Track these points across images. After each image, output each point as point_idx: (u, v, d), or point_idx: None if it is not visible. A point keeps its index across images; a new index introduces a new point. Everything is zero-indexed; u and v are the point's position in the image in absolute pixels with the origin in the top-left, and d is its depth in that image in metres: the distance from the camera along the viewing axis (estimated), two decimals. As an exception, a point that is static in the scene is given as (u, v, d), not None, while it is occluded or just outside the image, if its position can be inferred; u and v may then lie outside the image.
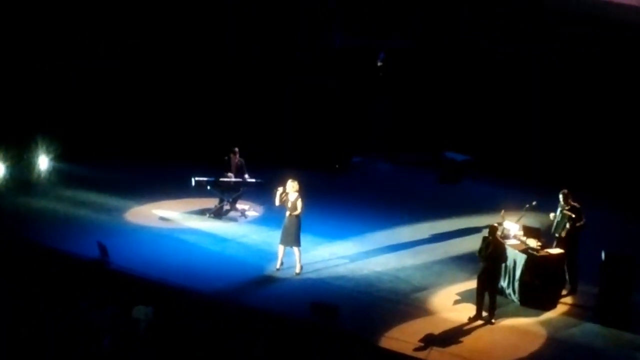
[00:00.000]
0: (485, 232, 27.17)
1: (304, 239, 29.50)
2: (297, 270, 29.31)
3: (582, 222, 28.27)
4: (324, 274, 29.33)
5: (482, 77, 41.87)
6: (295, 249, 29.20)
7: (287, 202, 29.07)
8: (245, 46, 42.75)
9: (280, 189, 29.16)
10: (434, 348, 25.16)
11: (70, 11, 41.96)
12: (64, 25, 41.70)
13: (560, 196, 28.35)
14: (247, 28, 43.18)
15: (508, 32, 41.64)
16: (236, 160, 33.50)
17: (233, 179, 33.52)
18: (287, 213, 29.11)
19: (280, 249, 29.36)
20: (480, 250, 26.85)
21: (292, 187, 29.08)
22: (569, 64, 40.29)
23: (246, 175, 33.53)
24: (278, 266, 29.51)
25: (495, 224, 27.30)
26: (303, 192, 29.21)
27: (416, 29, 43.72)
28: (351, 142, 41.02)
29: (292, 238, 29.06)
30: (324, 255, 29.66)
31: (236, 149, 33.53)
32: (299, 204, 28.97)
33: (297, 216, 29.02)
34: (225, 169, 33.49)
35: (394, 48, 43.74)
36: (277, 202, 29.37)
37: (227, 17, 43.46)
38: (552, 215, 28.72)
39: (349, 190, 35.48)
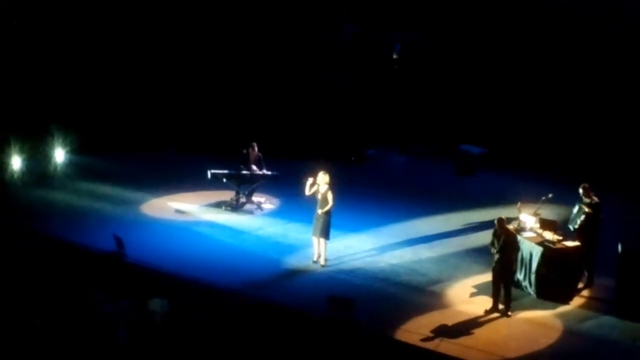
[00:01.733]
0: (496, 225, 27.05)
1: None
2: (322, 262, 29.17)
3: (600, 217, 28.13)
4: (340, 267, 29.18)
5: (498, 70, 41.81)
6: (322, 240, 29.02)
7: (317, 194, 28.92)
8: (264, 41, 42.75)
9: (310, 180, 29.03)
10: (450, 340, 24.99)
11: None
12: (85, 19, 41.85)
13: (581, 190, 28.18)
14: (265, 24, 43.24)
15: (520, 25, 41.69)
16: (254, 153, 33.38)
17: (249, 172, 33.38)
18: (318, 206, 29.00)
19: (315, 240, 29.32)
20: (492, 242, 26.72)
21: (322, 180, 28.92)
22: (582, 56, 40.27)
23: (264, 168, 33.42)
24: (315, 258, 29.41)
25: (502, 216, 27.13)
26: (332, 184, 29.03)
27: (429, 22, 43.68)
28: (367, 135, 40.89)
29: (320, 230, 28.90)
30: (339, 248, 29.52)
31: (254, 143, 33.44)
32: (330, 196, 28.80)
33: (327, 211, 28.85)
34: (243, 162, 33.39)
35: (408, 41, 43.75)
36: (307, 192, 29.23)
37: (245, 12, 43.59)
38: (575, 209, 28.58)
39: (364, 182, 35.45)
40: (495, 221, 26.83)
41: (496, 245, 26.51)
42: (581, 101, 39.66)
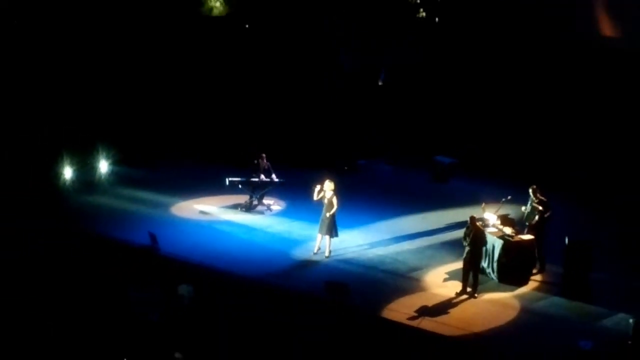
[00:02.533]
0: (468, 222, 27.35)
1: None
2: (327, 253, 29.39)
3: (548, 213, 28.42)
4: (336, 257, 29.41)
5: (466, 93, 41.93)
6: (327, 237, 29.27)
7: (324, 199, 29.14)
8: (273, 68, 42.76)
9: (318, 187, 29.28)
10: (427, 318, 25.37)
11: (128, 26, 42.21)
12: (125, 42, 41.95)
13: (530, 191, 28.64)
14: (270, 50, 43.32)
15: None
16: (264, 163, 33.56)
17: (259, 179, 33.57)
18: (324, 208, 29.19)
19: (318, 237, 29.49)
20: (464, 236, 27.10)
21: (328, 186, 29.18)
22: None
23: (273, 176, 33.58)
24: (315, 250, 29.62)
25: (474, 215, 27.57)
26: (336, 190, 29.29)
27: (409, 50, 43.68)
28: (358, 148, 40.98)
29: (326, 229, 29.15)
30: (335, 242, 29.62)
31: (263, 155, 33.61)
32: (335, 200, 29.01)
33: (333, 213, 29.05)
34: (255, 170, 33.56)
35: (392, 66, 43.73)
36: (315, 198, 29.41)
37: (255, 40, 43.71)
38: (523, 207, 28.96)
39: (356, 188, 35.47)
40: (468, 219, 27.21)
41: (467, 238, 26.88)
42: (531, 118, 39.80)
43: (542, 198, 28.45)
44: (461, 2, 44.12)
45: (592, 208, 34.25)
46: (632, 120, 38.28)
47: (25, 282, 26.54)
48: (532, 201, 28.56)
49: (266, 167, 33.59)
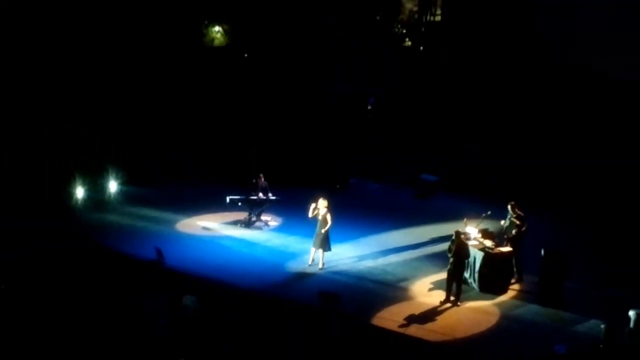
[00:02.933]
0: (452, 236, 27.34)
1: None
2: (320, 265, 29.28)
3: (525, 227, 28.41)
4: (329, 269, 29.30)
5: (448, 115, 42.02)
6: (321, 251, 29.20)
7: (318, 215, 29.08)
8: (264, 93, 42.83)
9: (313, 205, 29.22)
10: (414, 325, 25.29)
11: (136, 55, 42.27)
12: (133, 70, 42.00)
13: (509, 207, 28.60)
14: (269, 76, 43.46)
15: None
16: (262, 183, 33.55)
17: (257, 197, 33.55)
18: (319, 224, 29.11)
19: (312, 250, 29.41)
20: (449, 249, 27.06)
21: (322, 204, 29.12)
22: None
23: (270, 194, 33.57)
24: (310, 262, 29.53)
25: (459, 229, 27.55)
26: (330, 207, 29.22)
27: (396, 76, 43.81)
28: (349, 167, 40.97)
29: (320, 243, 29.09)
30: (328, 255, 29.55)
31: (261, 174, 33.61)
32: (328, 217, 28.96)
33: (326, 229, 28.98)
34: (253, 189, 33.55)
35: (380, 91, 43.85)
36: (310, 215, 29.35)
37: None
38: (502, 222, 28.92)
39: (347, 205, 35.41)
40: (454, 233, 27.21)
41: (451, 251, 26.85)
42: (508, 140, 39.91)
43: (520, 213, 28.46)
44: (443, 33, 44.22)
45: (566, 222, 34.18)
46: (601, 140, 38.37)
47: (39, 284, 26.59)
48: (511, 216, 28.57)
49: (264, 186, 33.60)
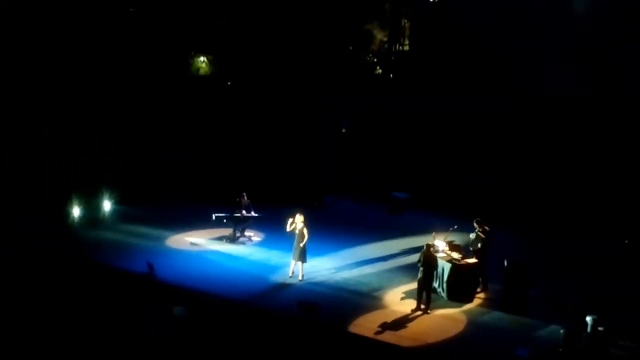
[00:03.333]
0: (422, 248, 27.33)
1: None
2: (300, 277, 29.15)
3: (490, 241, 28.46)
4: (308, 280, 29.20)
5: (417, 137, 42.07)
6: (300, 263, 29.08)
7: (295, 230, 28.99)
8: (246, 118, 42.82)
9: (290, 220, 29.11)
10: (388, 332, 25.25)
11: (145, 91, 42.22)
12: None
13: (475, 222, 28.61)
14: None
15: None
16: (245, 201, 33.48)
17: (241, 214, 33.47)
18: (296, 238, 29.00)
19: (292, 262, 29.28)
20: (419, 260, 27.06)
21: (299, 219, 29.02)
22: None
23: (252, 212, 33.49)
24: (290, 274, 29.38)
25: (428, 242, 27.55)
26: (306, 222, 29.12)
27: (368, 102, 43.83)
28: (326, 186, 40.91)
29: (298, 256, 28.96)
30: (307, 267, 29.48)
31: (244, 193, 33.56)
32: (305, 231, 28.86)
33: (303, 241, 28.89)
34: (237, 207, 33.47)
35: (354, 115, 43.86)
36: (288, 229, 29.21)
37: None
38: (472, 235, 28.90)
39: (324, 221, 35.29)
40: (424, 245, 27.24)
41: (421, 262, 26.85)
42: (473, 160, 39.96)
43: (485, 228, 28.50)
44: (410, 61, 44.34)
45: (527, 236, 34.16)
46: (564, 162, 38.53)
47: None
48: (477, 230, 28.59)
49: (246, 204, 33.52)
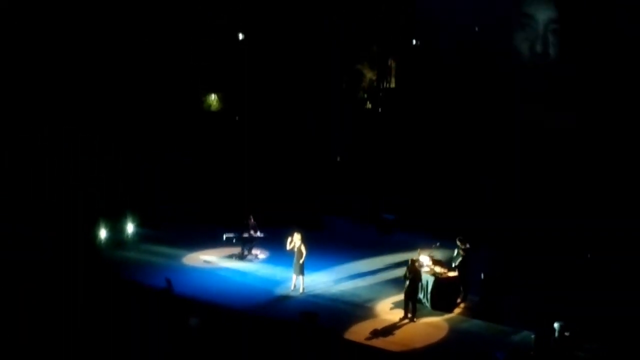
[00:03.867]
0: (408, 263, 27.41)
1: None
2: (301, 290, 29.18)
3: (470, 256, 28.55)
4: (308, 293, 29.24)
5: (399, 165, 42.11)
6: (300, 276, 29.14)
7: (294, 247, 29.05)
8: (251, 149, 42.77)
9: (290, 239, 29.19)
10: (379, 338, 25.32)
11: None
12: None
13: (457, 240, 28.70)
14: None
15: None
16: (252, 223, 33.51)
17: (249, 234, 33.51)
18: (295, 255, 29.04)
19: (294, 277, 29.31)
20: (405, 275, 27.11)
21: (297, 237, 29.10)
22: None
23: (258, 232, 33.53)
24: (292, 288, 29.39)
25: (413, 258, 27.62)
26: (304, 239, 29.22)
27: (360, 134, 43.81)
28: (323, 209, 40.68)
29: (298, 270, 29.02)
30: (307, 282, 29.51)
31: (251, 216, 33.58)
32: (303, 248, 28.90)
33: (302, 257, 28.95)
34: (245, 228, 33.50)
35: (346, 146, 43.89)
36: (288, 247, 29.28)
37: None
38: (456, 251, 28.95)
39: (322, 239, 35.18)
40: (409, 261, 27.34)
41: (408, 276, 26.91)
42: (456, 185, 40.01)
43: (466, 245, 28.59)
44: (396, 97, 44.46)
45: (502, 252, 33.94)
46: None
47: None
48: (459, 247, 28.68)
49: (253, 225, 33.53)
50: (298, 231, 29.35)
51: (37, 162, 38.38)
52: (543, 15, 39.74)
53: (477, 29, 40.53)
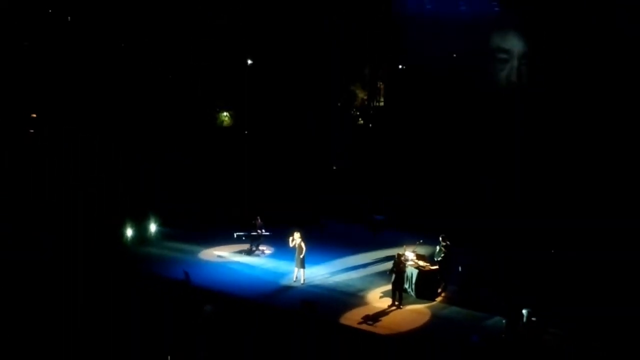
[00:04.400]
0: (395, 258, 27.42)
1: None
2: (302, 281, 29.19)
3: (450, 252, 28.50)
4: (308, 284, 29.26)
5: (388, 173, 41.93)
6: (301, 269, 29.18)
7: (295, 244, 29.06)
8: (260, 161, 42.62)
9: (291, 237, 29.22)
10: (370, 322, 25.36)
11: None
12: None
13: (440, 238, 28.68)
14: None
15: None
16: (259, 223, 33.44)
17: (257, 233, 33.45)
18: (297, 250, 29.08)
19: (295, 270, 29.33)
20: (392, 268, 27.13)
21: (297, 235, 29.14)
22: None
23: (264, 231, 33.46)
24: (294, 279, 29.40)
25: (399, 253, 27.67)
26: (304, 238, 29.27)
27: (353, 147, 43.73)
28: (321, 210, 40.50)
29: (300, 263, 29.05)
30: (307, 274, 29.49)
31: (258, 216, 33.51)
32: (302, 244, 28.95)
33: (302, 252, 28.99)
34: (253, 227, 33.43)
35: (342, 158, 43.75)
36: (290, 245, 29.31)
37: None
38: (438, 247, 28.90)
39: (320, 238, 35.02)
40: (396, 255, 27.44)
41: (394, 269, 26.92)
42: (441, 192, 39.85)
43: (448, 242, 28.57)
44: (385, 114, 44.47)
45: (479, 249, 33.77)
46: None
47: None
48: (440, 244, 28.66)
49: (260, 224, 33.47)
50: (298, 230, 29.37)
51: (38, 162, 38.00)
52: (516, 50, 39.43)
53: (454, 55, 40.40)
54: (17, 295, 26.71)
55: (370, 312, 26.45)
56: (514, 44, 39.67)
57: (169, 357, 21.88)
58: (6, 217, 34.15)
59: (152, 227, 35.64)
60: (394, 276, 27.11)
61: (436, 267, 28.40)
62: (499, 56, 39.82)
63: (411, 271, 28.20)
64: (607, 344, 24.15)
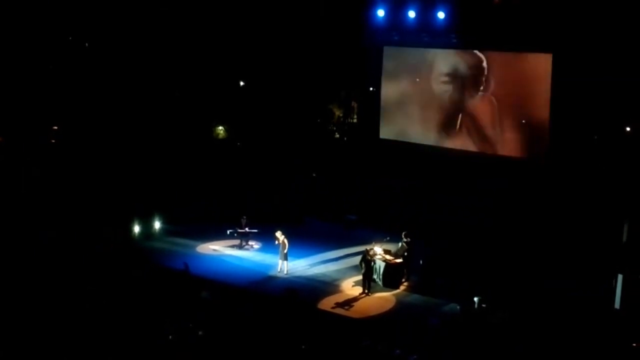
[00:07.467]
0: (364, 252, 27.40)
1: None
2: (285, 272, 29.21)
3: (411, 247, 28.54)
4: (291, 274, 29.32)
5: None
6: (285, 262, 29.26)
7: (279, 241, 29.08)
8: (252, 171, 42.29)
9: (276, 235, 29.32)
10: (343, 308, 25.38)
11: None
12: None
13: (403, 235, 28.73)
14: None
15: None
16: (244, 222, 33.22)
17: (245, 231, 33.27)
18: (280, 246, 29.18)
19: (279, 262, 29.39)
20: (361, 261, 27.20)
21: (279, 234, 29.25)
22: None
23: (247, 229, 33.16)
24: (279, 270, 29.38)
25: (367, 248, 27.66)
26: (286, 235, 29.35)
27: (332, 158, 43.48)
28: (303, 211, 40.07)
29: (283, 257, 29.15)
30: (290, 266, 29.51)
31: (244, 217, 33.25)
32: (285, 241, 29.07)
33: (285, 247, 29.11)
34: (240, 226, 33.22)
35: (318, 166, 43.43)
36: (276, 242, 29.38)
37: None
38: (400, 244, 28.90)
39: (302, 235, 34.68)
40: (365, 250, 27.60)
41: (363, 261, 26.91)
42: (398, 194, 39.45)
43: (409, 239, 28.63)
44: (358, 129, 44.31)
45: (437, 243, 33.51)
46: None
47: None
48: (403, 240, 28.69)
49: (247, 223, 33.22)
50: (279, 230, 29.56)
51: (60, 168, 37.54)
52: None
53: (417, 80, 40.16)
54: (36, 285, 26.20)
55: (344, 299, 26.53)
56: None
57: (169, 337, 21.65)
58: (6, 217, 33.25)
59: (157, 225, 35.37)
60: (364, 268, 27.11)
61: (400, 260, 28.44)
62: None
63: (379, 264, 28.27)
64: (544, 319, 24.43)
